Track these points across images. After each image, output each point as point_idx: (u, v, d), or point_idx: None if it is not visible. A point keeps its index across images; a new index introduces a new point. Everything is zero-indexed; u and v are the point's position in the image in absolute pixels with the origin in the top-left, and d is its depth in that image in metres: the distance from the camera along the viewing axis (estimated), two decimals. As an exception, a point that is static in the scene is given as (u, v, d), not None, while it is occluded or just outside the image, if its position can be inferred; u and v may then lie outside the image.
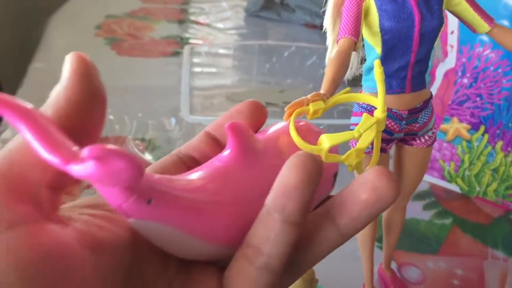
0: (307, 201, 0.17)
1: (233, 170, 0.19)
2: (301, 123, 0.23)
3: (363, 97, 0.27)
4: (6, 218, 0.15)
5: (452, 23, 0.50)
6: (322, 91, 0.28)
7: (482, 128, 0.51)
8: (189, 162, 0.22)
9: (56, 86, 0.17)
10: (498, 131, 0.51)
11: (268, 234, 0.17)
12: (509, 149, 0.51)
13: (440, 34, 0.32)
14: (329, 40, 0.37)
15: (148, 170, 0.21)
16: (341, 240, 0.19)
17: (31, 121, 0.15)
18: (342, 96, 0.26)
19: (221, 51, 0.88)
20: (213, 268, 0.19)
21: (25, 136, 0.15)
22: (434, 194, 0.56)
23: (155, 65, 0.83)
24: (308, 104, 0.25)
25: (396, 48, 0.32)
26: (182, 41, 0.93)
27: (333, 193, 0.21)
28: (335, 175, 0.22)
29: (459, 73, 0.51)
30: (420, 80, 0.34)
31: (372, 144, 0.24)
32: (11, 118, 0.15)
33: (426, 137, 0.36)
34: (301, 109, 0.25)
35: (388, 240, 0.43)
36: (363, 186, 0.18)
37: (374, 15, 0.31)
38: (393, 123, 0.34)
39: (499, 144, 0.51)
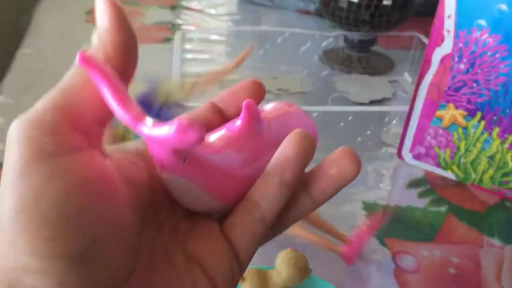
0: (301, 170, 0.21)
1: (245, 139, 0.22)
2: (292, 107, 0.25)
3: None
4: (69, 143, 0.18)
5: (449, 7, 0.49)
6: None
7: (479, 115, 0.51)
8: None
9: (97, 31, 0.20)
10: (494, 118, 0.50)
11: (267, 192, 0.21)
12: (505, 135, 0.50)
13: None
14: None
15: None
16: (313, 207, 0.23)
17: (111, 84, 0.18)
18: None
19: (214, 37, 0.87)
20: (213, 217, 0.23)
21: (105, 95, 0.18)
22: (429, 181, 0.56)
23: (146, 51, 0.82)
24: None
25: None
26: (174, 27, 0.92)
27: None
28: None
29: (456, 59, 0.50)
30: None
31: None
32: (95, 78, 0.18)
33: None
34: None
35: None
36: (332, 163, 0.22)
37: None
38: None
39: (496, 130, 0.50)
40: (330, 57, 0.81)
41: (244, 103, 0.21)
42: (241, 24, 0.99)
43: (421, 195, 0.54)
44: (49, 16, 0.94)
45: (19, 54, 0.79)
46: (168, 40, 0.86)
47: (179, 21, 0.96)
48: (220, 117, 0.25)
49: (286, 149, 0.21)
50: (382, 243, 0.47)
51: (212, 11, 1.03)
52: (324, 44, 0.82)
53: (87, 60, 0.18)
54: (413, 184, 0.55)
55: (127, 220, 0.19)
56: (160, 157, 0.21)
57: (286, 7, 1.05)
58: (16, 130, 0.18)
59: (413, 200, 0.53)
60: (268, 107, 0.25)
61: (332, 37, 0.81)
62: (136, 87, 0.52)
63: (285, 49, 0.81)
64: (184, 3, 1.06)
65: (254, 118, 0.22)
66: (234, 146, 0.22)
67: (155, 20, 0.95)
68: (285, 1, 1.05)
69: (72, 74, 0.19)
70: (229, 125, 0.23)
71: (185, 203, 0.22)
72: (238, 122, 0.22)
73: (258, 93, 0.26)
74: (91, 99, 0.19)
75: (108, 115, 0.19)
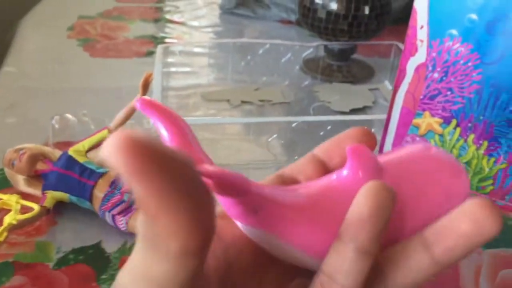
0: (380, 230, 0.18)
1: (345, 190, 0.20)
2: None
3: None
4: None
5: (421, 17, 0.50)
6: None
7: (454, 122, 0.51)
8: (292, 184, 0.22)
9: None
10: (469, 124, 0.51)
11: (342, 263, 0.18)
12: (480, 141, 0.51)
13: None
14: None
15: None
16: (435, 269, 0.19)
17: (176, 126, 0.18)
18: None
19: (196, 49, 0.87)
20: None
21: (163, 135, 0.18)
22: (409, 188, 0.56)
23: (129, 65, 0.82)
24: None
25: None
26: (157, 41, 0.92)
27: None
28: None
29: (430, 68, 0.51)
30: None
31: None
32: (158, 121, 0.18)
33: None
34: None
35: None
36: (463, 216, 0.18)
37: None
38: None
39: (471, 137, 0.51)
40: (311, 67, 0.82)
41: (348, 147, 0.19)
42: (224, 35, 1.00)
43: (401, 202, 0.54)
44: (32, 33, 0.95)
45: (2, 72, 0.79)
46: (150, 53, 0.86)
47: (162, 34, 0.97)
48: (322, 169, 0.23)
49: (358, 206, 0.18)
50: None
51: (195, 23, 1.04)
52: (304, 54, 0.83)
53: (149, 104, 0.18)
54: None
55: None
56: (226, 206, 0.19)
57: (268, 18, 1.06)
58: None
59: (393, 207, 0.53)
60: (395, 152, 0.22)
61: (312, 47, 0.81)
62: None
63: (266, 60, 0.82)
64: (168, 16, 1.07)
65: (363, 164, 0.20)
66: (327, 195, 0.20)
67: (138, 34, 0.96)
68: (267, 12, 1.06)
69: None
70: (334, 173, 0.21)
71: (277, 255, 0.20)
72: (344, 171, 0.20)
73: (368, 142, 0.23)
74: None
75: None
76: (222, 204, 0.19)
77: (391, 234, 0.20)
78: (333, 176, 0.21)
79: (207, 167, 0.17)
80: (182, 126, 0.18)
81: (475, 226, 0.18)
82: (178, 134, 0.18)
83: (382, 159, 0.21)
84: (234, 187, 0.17)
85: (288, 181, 0.23)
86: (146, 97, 0.18)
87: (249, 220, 0.19)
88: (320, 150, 0.23)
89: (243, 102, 0.73)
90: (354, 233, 0.18)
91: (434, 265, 0.19)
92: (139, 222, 0.15)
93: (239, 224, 0.20)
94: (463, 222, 0.18)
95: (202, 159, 0.19)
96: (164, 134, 0.18)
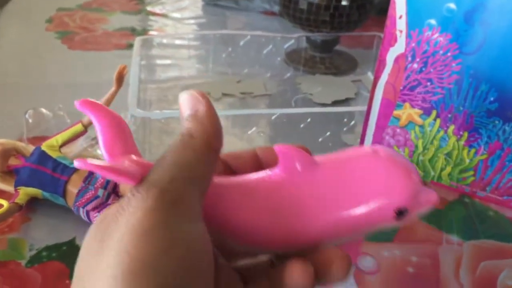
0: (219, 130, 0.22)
1: (272, 182, 0.23)
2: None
3: None
4: (194, 212, 0.19)
5: (400, 7, 0.49)
6: None
7: (434, 113, 0.51)
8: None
9: (190, 117, 0.22)
10: (449, 115, 0.50)
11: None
12: (461, 132, 0.51)
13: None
14: None
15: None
16: None
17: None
18: None
19: (177, 42, 0.86)
20: None
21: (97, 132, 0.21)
22: (390, 180, 0.56)
23: (108, 58, 0.81)
24: None
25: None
26: (137, 33, 0.91)
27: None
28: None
29: (409, 58, 0.50)
30: None
31: None
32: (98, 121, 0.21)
33: None
34: None
35: None
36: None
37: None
38: None
39: (451, 128, 0.51)
40: (293, 58, 0.81)
41: (275, 146, 0.22)
42: (206, 27, 0.99)
43: (382, 194, 0.54)
44: (9, 26, 0.93)
45: (-23, 66, 0.77)
46: (130, 46, 0.85)
47: (143, 26, 0.95)
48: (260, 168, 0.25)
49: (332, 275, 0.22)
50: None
51: (177, 15, 1.03)
52: (286, 45, 0.82)
53: (90, 104, 0.21)
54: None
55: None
56: None
57: (251, 9, 1.05)
58: (145, 195, 0.18)
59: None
60: (339, 153, 0.24)
61: (294, 38, 0.80)
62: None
63: (247, 52, 0.81)
64: (149, 8, 1.05)
65: (289, 164, 0.22)
66: (252, 186, 0.23)
67: (118, 26, 0.94)
68: (250, 3, 1.05)
69: (179, 149, 0.20)
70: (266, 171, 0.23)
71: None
72: (274, 170, 0.23)
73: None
74: (201, 170, 0.20)
75: (208, 183, 0.21)
76: None
77: (314, 220, 0.22)
78: (267, 171, 0.23)
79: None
80: (117, 121, 0.22)
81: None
82: (111, 127, 0.21)
83: (321, 158, 0.23)
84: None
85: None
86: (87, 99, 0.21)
87: None
88: (261, 151, 0.26)
89: (225, 94, 0.72)
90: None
91: None
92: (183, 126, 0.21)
93: None
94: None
95: (131, 151, 0.21)
96: (98, 128, 0.21)
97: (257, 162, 0.25)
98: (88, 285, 0.17)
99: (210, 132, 0.21)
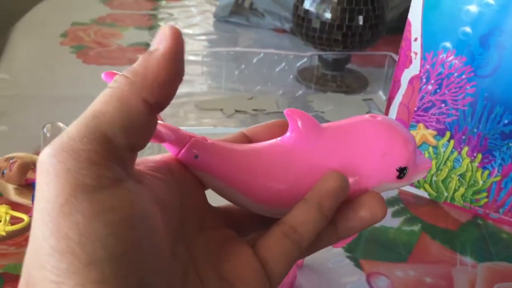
0: (338, 204, 0.23)
1: (289, 145, 0.24)
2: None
3: None
4: (109, 176, 0.17)
5: (415, 30, 0.50)
6: None
7: (448, 134, 0.51)
8: None
9: (149, 53, 0.19)
10: (463, 137, 0.51)
11: (306, 219, 0.22)
12: (474, 154, 0.51)
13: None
14: None
15: None
16: (336, 240, 0.25)
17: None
18: None
19: (190, 58, 0.87)
20: (243, 238, 0.24)
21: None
22: (402, 200, 0.56)
23: (122, 73, 0.82)
24: None
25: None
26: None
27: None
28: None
29: (424, 80, 0.51)
30: None
31: None
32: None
33: None
34: None
35: None
36: (362, 205, 0.24)
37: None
38: None
39: (465, 149, 0.51)
40: (305, 76, 0.82)
41: (286, 111, 0.24)
42: (217, 43, 1.00)
43: (395, 214, 0.54)
44: (24, 40, 0.94)
45: (-6, 79, 0.78)
46: (144, 62, 0.86)
47: (156, 42, 0.96)
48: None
49: (327, 182, 0.23)
50: (357, 265, 0.47)
51: (189, 31, 1.04)
52: (299, 63, 0.83)
53: (112, 74, 0.21)
54: (388, 203, 0.56)
55: (167, 252, 0.19)
56: (174, 153, 0.24)
57: (262, 26, 1.06)
58: (52, 160, 0.17)
59: (387, 219, 0.53)
60: (339, 121, 0.25)
61: (306, 56, 0.81)
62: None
63: (260, 69, 0.81)
64: (161, 24, 1.06)
65: (302, 123, 0.23)
66: (269, 150, 0.24)
67: (132, 41, 0.95)
68: (261, 20, 1.06)
69: (105, 98, 0.18)
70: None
71: (223, 197, 0.25)
72: (287, 134, 0.24)
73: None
74: (125, 125, 0.18)
75: (141, 140, 0.19)
76: (169, 150, 0.24)
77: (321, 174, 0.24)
78: (278, 138, 0.24)
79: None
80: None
81: (371, 213, 0.24)
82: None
83: (325, 124, 0.25)
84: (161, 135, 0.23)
85: None
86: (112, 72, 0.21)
87: (191, 164, 0.23)
88: (249, 131, 0.27)
89: (237, 111, 0.73)
90: (320, 199, 0.23)
91: (336, 237, 0.25)
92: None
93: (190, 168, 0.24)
94: (362, 210, 0.24)
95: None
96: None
97: (247, 140, 0.26)
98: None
99: (149, 80, 0.18)
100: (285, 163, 0.24)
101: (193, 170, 0.24)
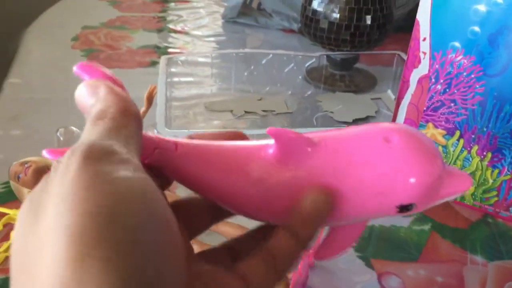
0: (316, 229, 0.22)
1: (266, 159, 0.22)
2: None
3: None
4: (137, 165, 0.18)
5: (424, 30, 0.50)
6: None
7: (457, 133, 0.52)
8: None
9: None
10: (473, 136, 0.51)
11: (284, 247, 0.22)
12: (484, 153, 0.51)
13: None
14: None
15: None
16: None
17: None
18: None
19: (199, 59, 0.88)
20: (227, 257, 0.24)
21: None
22: (413, 199, 0.56)
23: (132, 76, 0.82)
24: None
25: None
26: (160, 51, 0.93)
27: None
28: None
29: (433, 79, 0.51)
30: None
31: None
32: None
33: None
34: None
35: None
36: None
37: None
38: None
39: (475, 148, 0.51)
40: (314, 76, 0.82)
41: (268, 130, 0.21)
42: (226, 44, 1.00)
43: (405, 213, 0.54)
44: (36, 44, 0.95)
45: (7, 83, 0.79)
46: (154, 64, 0.87)
47: (165, 44, 0.97)
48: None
49: (306, 207, 0.22)
50: (368, 264, 0.48)
51: (198, 32, 1.05)
52: (307, 64, 0.83)
53: (87, 67, 0.21)
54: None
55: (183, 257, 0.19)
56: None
57: (270, 27, 1.07)
58: (71, 156, 0.17)
59: (398, 219, 0.54)
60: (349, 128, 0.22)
61: (315, 57, 0.82)
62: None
63: (269, 70, 0.82)
64: (171, 26, 1.07)
65: (284, 144, 0.21)
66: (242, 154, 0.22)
67: (141, 43, 0.96)
68: (269, 21, 1.06)
69: (103, 118, 0.19)
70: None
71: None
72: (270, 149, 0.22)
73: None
74: (133, 134, 0.20)
75: (145, 149, 0.21)
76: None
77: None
78: (261, 143, 0.23)
79: None
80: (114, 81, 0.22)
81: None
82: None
83: (326, 136, 0.22)
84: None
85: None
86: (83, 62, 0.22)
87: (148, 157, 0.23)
88: (199, 135, 0.26)
89: (247, 112, 0.73)
90: (296, 229, 0.22)
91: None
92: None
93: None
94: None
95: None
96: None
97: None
98: (30, 260, 0.15)
99: (120, 100, 0.20)
100: (268, 182, 0.22)
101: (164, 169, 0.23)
